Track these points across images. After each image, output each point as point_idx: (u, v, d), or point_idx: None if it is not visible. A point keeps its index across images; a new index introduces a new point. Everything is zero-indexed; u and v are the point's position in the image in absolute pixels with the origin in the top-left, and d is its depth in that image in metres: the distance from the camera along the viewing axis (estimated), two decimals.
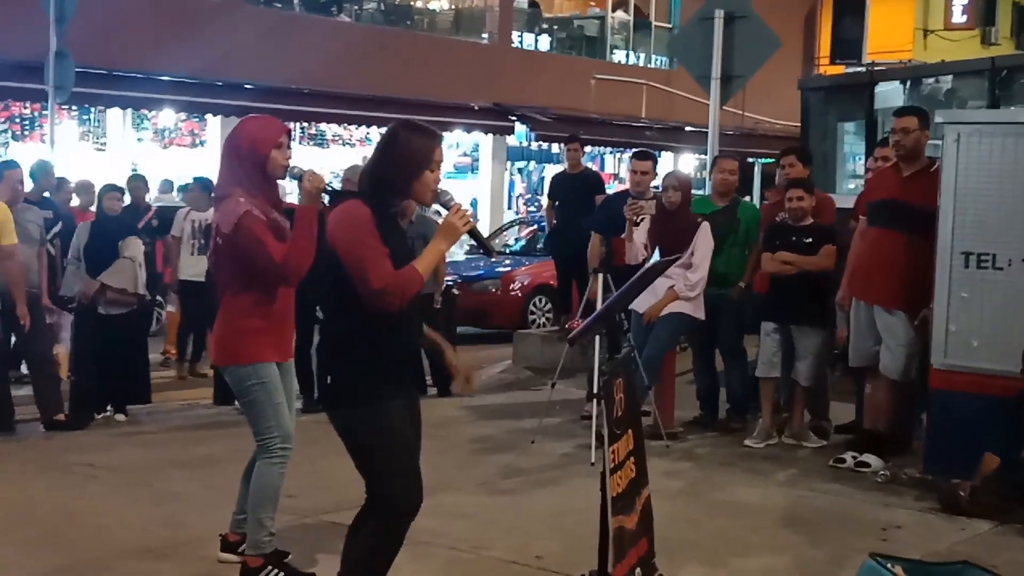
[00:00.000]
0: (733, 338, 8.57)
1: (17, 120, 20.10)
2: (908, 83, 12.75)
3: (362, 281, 4.00)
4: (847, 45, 21.34)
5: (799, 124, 13.21)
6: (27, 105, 19.34)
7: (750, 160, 24.48)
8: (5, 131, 20.08)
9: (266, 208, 4.98)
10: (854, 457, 7.40)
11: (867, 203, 7.49)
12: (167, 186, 18.64)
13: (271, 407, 5.04)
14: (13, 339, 8.60)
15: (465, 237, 4.25)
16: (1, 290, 7.65)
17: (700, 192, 12.51)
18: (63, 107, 17.48)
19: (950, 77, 12.77)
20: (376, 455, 4.15)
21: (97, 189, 9.80)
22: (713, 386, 8.72)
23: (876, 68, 14.27)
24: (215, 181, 5.27)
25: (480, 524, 6.07)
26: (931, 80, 12.94)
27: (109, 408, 8.95)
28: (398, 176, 4.12)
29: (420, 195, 4.17)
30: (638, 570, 4.28)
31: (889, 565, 4.04)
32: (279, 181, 5.18)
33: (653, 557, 4.49)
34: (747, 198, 10.98)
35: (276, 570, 5.05)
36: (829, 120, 13.23)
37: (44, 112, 16.52)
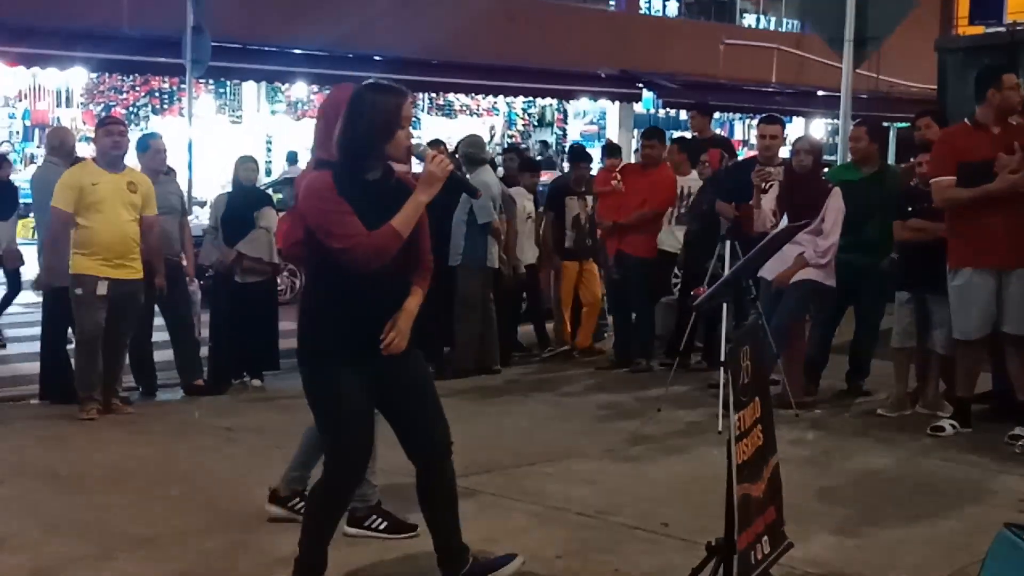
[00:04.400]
0: (876, 309, 8.45)
1: (156, 94, 20.73)
2: None
3: (333, 245, 4.09)
4: (987, 4, 20.61)
5: (936, 87, 12.82)
6: (166, 79, 19.93)
7: (885, 124, 23.95)
8: (145, 105, 20.73)
9: None
10: (953, 426, 7.28)
11: (972, 163, 7.06)
12: (293, 157, 19.00)
13: None
14: None
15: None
16: (145, 260, 7.90)
17: (832, 158, 12.31)
18: (200, 81, 17.95)
19: None
20: (319, 416, 4.35)
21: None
22: (825, 358, 8.58)
23: (1017, 28, 13.76)
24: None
25: (606, 490, 6.10)
26: None
27: (245, 374, 9.21)
28: (370, 139, 4.16)
29: (395, 154, 4.21)
30: (765, 538, 4.26)
31: None
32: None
33: (782, 525, 4.46)
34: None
35: (380, 519, 5.24)
36: (968, 82, 12.84)
37: (182, 86, 17.00)
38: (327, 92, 21.28)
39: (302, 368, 4.33)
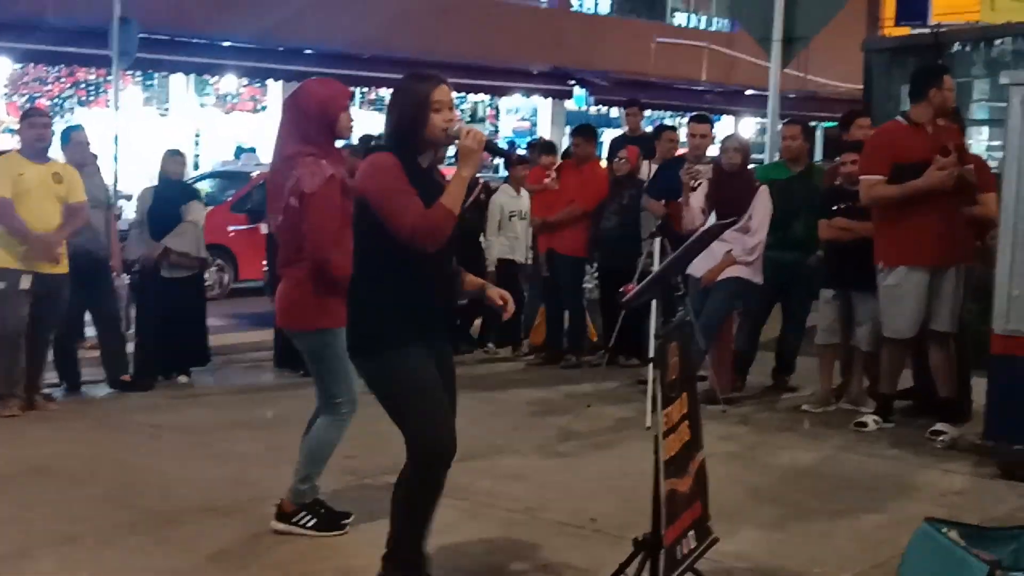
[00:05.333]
0: (803, 306, 8.57)
1: (82, 86, 20.41)
2: (968, 44, 12.52)
3: (396, 224, 4.07)
4: (912, 6, 20.94)
5: (862, 87, 13.00)
6: (92, 71, 19.61)
7: (812, 124, 24.26)
8: (71, 96, 20.39)
9: (338, 168, 5.08)
10: (876, 422, 7.41)
11: (908, 164, 7.13)
12: (239, 152, 18.85)
13: (343, 372, 5.13)
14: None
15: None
16: (72, 252, 7.79)
17: (760, 156, 12.44)
18: (127, 73, 17.69)
19: (1017, 38, 12.52)
20: (400, 402, 4.22)
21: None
22: (752, 353, 8.70)
23: (942, 30, 14.00)
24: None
25: (535, 486, 6.12)
26: (998, 42, 12.69)
27: (174, 373, 9.10)
28: (408, 126, 4.19)
29: (434, 138, 4.22)
30: (692, 533, 4.29)
31: (944, 529, 4.03)
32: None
33: (708, 520, 4.50)
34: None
35: (310, 516, 5.21)
36: (893, 82, 13.07)
37: (109, 78, 16.71)
38: (257, 85, 21.15)
39: (372, 362, 4.22)
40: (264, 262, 12.10)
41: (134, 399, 8.35)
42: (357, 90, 22.22)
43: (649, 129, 12.37)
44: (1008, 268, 6.67)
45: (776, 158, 9.75)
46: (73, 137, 8.61)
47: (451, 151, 4.79)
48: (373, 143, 9.87)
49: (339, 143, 5.39)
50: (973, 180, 7.19)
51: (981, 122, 12.89)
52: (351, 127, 5.19)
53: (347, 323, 4.33)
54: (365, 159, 4.32)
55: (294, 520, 5.22)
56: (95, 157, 9.15)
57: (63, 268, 7.71)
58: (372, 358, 4.23)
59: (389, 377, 4.21)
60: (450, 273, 4.38)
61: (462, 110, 25.21)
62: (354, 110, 24.27)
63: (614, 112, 24.98)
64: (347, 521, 5.31)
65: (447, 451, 4.23)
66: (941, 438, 7.09)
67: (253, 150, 19.24)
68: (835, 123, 12.66)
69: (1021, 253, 6.63)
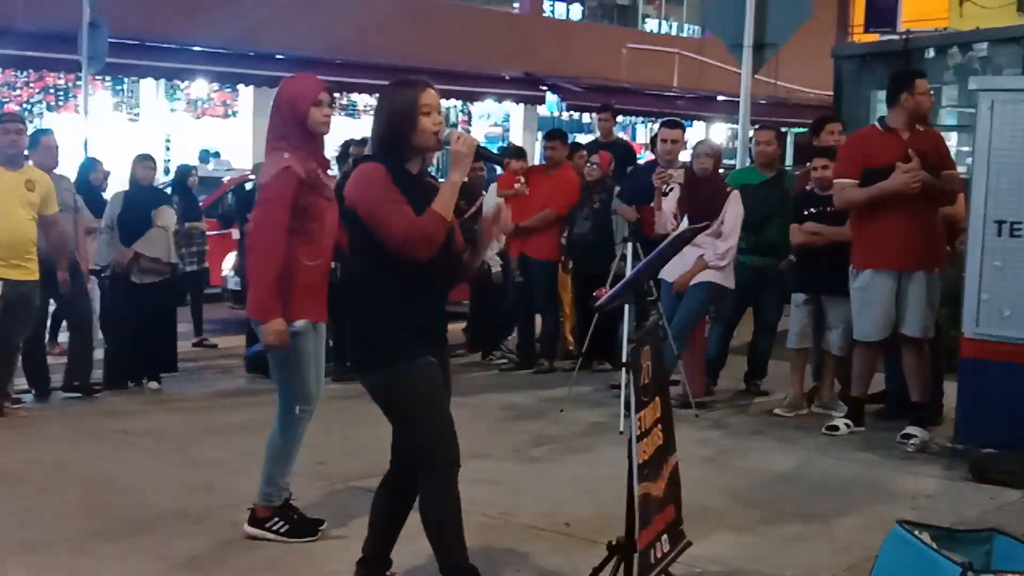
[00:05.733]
0: (774, 310, 8.61)
1: (52, 91, 20.27)
2: (937, 50, 12.62)
3: (386, 234, 4.05)
4: (881, 13, 21.11)
5: (832, 93, 13.09)
6: (61, 75, 19.48)
7: (783, 130, 24.39)
8: (40, 101, 20.25)
9: (309, 163, 5.05)
10: (848, 426, 7.44)
11: (878, 168, 7.14)
12: (205, 156, 18.75)
13: (303, 368, 5.11)
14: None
15: None
16: (42, 257, 7.73)
17: (731, 162, 12.48)
18: (97, 77, 17.59)
19: (985, 45, 12.62)
20: (409, 413, 4.20)
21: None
22: (723, 357, 8.73)
23: (911, 36, 14.10)
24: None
25: (509, 491, 6.12)
26: (967, 48, 12.79)
27: (145, 378, 9.04)
28: (397, 132, 4.17)
29: (424, 143, 4.19)
30: (665, 536, 4.29)
31: (917, 532, 4.04)
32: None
33: (681, 524, 4.51)
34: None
35: (282, 522, 5.19)
36: (863, 89, 13.16)
37: (78, 83, 16.63)
38: (228, 90, 21.04)
39: (375, 373, 4.18)
40: (226, 270, 12.06)
41: (104, 405, 8.29)
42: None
43: (621, 135, 12.33)
44: (977, 272, 6.73)
45: (748, 163, 9.80)
46: (42, 141, 8.54)
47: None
48: (352, 148, 9.85)
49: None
50: (950, 187, 7.22)
51: (950, 128, 13.00)
52: (325, 122, 5.11)
53: (350, 339, 4.30)
54: (354, 170, 4.29)
55: (267, 525, 5.20)
56: (101, 164, 9.26)
57: (35, 275, 7.64)
58: (375, 370, 4.19)
59: (394, 388, 4.18)
60: (445, 281, 4.32)
61: None
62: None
63: (586, 118, 25.03)
64: (321, 528, 5.29)
65: (454, 457, 4.23)
66: (912, 441, 7.13)
67: (218, 154, 19.18)
68: (805, 129, 12.72)
69: (990, 258, 6.70)
